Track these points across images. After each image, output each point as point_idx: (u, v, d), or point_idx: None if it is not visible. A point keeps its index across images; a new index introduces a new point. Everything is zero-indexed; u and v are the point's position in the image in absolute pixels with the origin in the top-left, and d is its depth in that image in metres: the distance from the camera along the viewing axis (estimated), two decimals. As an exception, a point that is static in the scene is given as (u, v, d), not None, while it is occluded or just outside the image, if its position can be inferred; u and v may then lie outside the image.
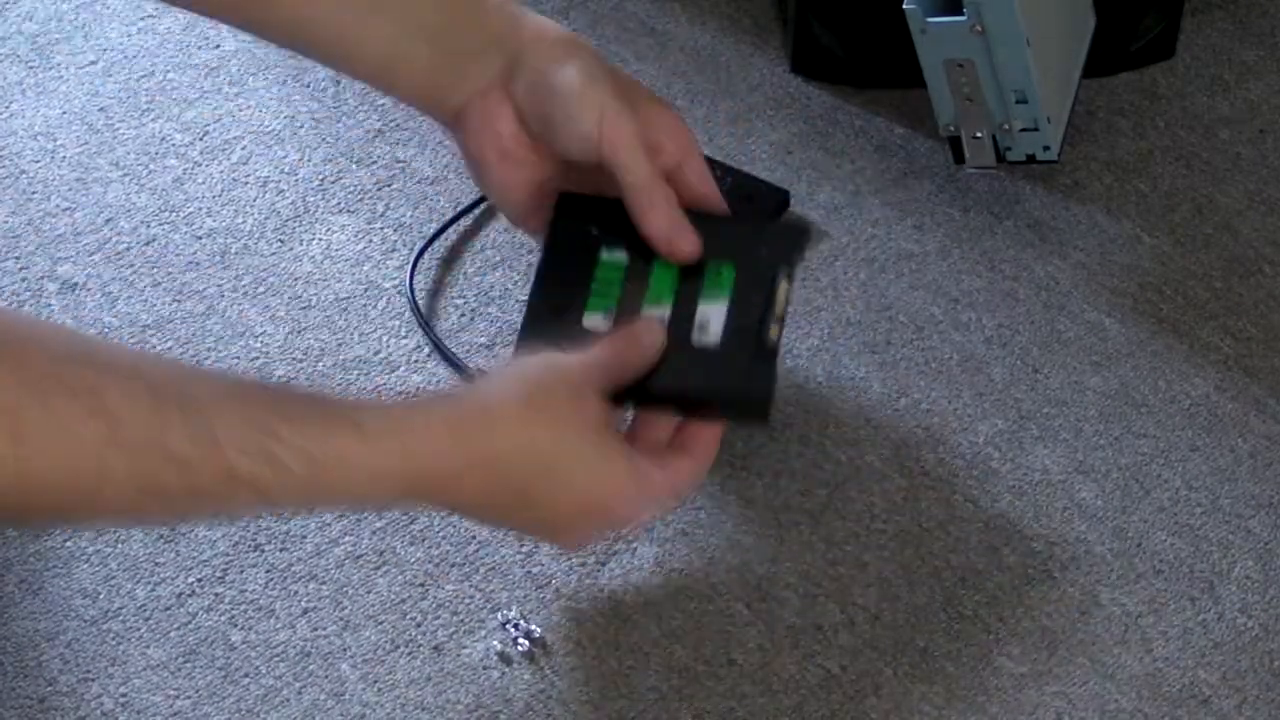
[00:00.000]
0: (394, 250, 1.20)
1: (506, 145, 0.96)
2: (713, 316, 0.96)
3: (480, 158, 0.97)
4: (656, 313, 0.96)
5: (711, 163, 1.22)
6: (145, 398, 0.78)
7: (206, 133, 1.26)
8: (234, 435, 0.80)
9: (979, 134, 1.19)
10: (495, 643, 1.02)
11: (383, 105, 1.28)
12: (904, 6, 1.13)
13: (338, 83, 1.29)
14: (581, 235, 0.97)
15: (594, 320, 0.96)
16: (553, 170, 0.97)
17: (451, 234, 1.21)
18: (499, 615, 1.02)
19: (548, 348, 0.92)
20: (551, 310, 0.96)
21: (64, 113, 1.28)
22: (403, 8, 0.96)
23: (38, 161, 1.25)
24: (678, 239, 0.95)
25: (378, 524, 1.06)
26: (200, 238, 1.20)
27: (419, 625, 1.02)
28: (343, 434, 0.83)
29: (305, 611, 1.03)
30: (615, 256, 0.96)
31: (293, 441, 0.81)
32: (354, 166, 1.24)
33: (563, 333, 0.94)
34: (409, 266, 1.18)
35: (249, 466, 0.80)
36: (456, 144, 0.99)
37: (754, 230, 1.01)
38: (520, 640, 1.02)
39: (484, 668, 1.01)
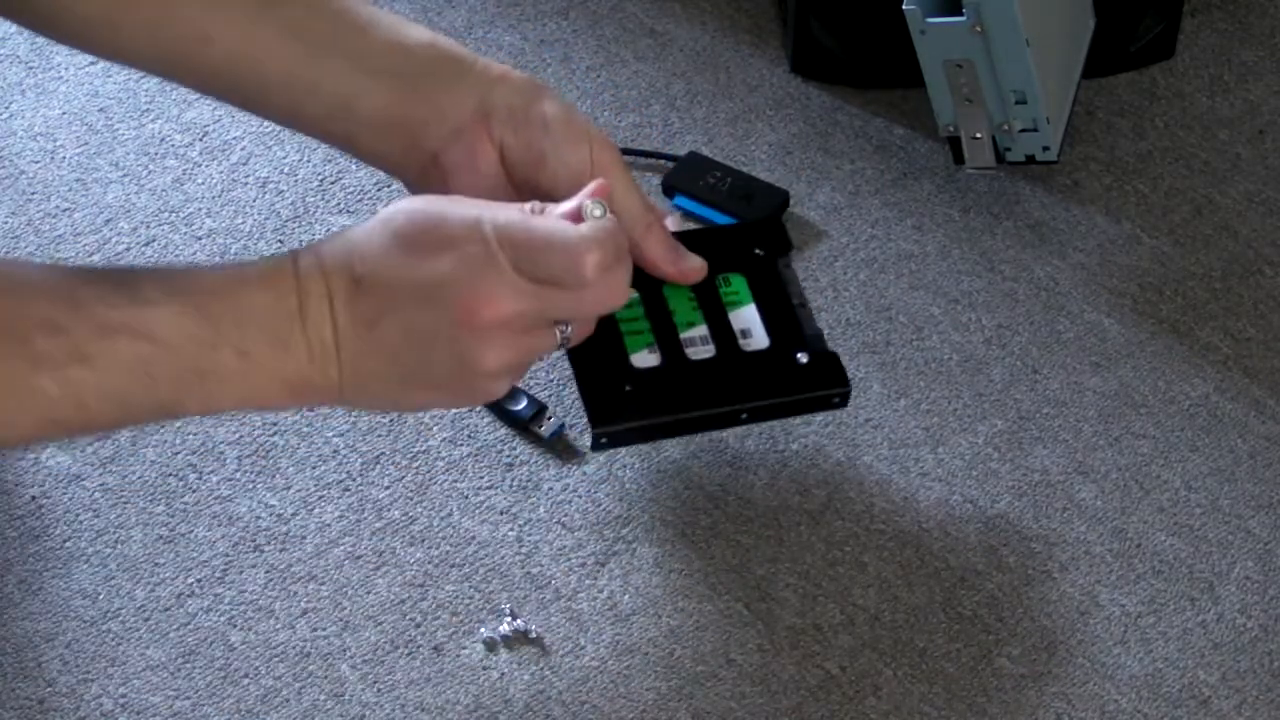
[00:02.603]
0: (393, 251, 1.20)
1: (486, 187, 0.94)
2: (749, 322, 0.98)
3: None
4: (696, 333, 0.97)
5: (711, 163, 1.22)
6: (4, 284, 0.79)
7: (206, 133, 1.26)
8: (96, 293, 0.80)
9: (978, 134, 1.19)
10: (495, 642, 1.02)
11: (382, 106, 1.28)
12: (904, 7, 1.13)
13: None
14: None
15: (643, 358, 0.97)
16: None
17: (451, 234, 1.21)
18: (498, 616, 1.02)
19: (615, 402, 0.95)
20: (597, 363, 0.96)
21: (64, 113, 1.28)
22: (357, 47, 0.93)
23: (37, 162, 1.25)
24: (683, 261, 0.96)
25: (377, 524, 1.06)
26: (200, 238, 1.20)
27: (418, 626, 1.02)
28: (201, 268, 0.84)
29: (305, 612, 1.03)
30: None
31: (153, 280, 0.82)
32: (353, 167, 1.24)
33: (621, 380, 0.96)
34: (408, 267, 1.18)
35: (116, 313, 0.80)
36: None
37: (735, 236, 1.05)
38: (519, 641, 1.02)
39: (483, 668, 1.01)
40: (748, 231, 1.06)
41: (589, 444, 0.98)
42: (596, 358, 0.96)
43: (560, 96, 0.96)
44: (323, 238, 0.88)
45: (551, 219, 0.89)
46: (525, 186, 0.95)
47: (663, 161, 1.23)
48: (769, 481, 1.08)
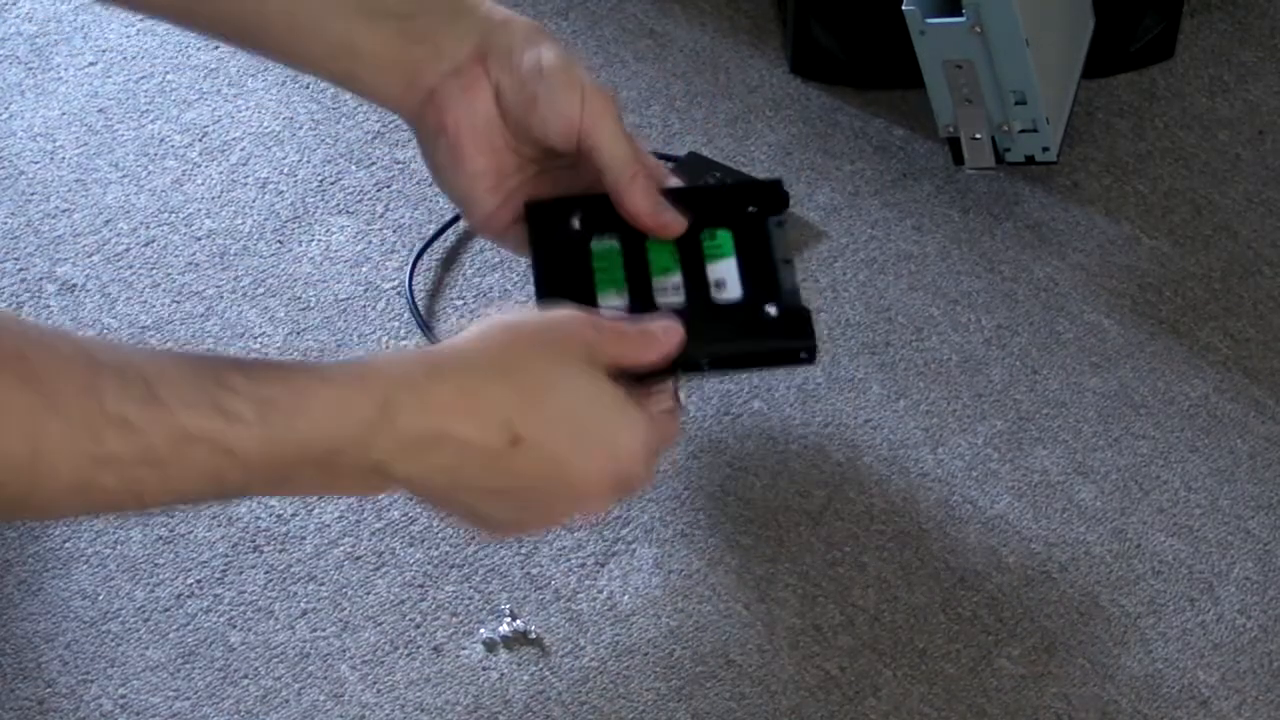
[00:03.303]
0: (393, 251, 1.20)
1: (480, 126, 0.95)
2: (725, 273, 0.97)
3: (454, 140, 0.96)
4: (668, 281, 0.96)
5: (711, 163, 1.22)
6: (80, 364, 0.74)
7: (206, 134, 1.26)
8: (178, 392, 0.75)
9: (978, 135, 1.19)
10: (494, 643, 1.02)
11: (382, 106, 1.28)
12: (903, 7, 1.13)
13: (337, 84, 1.29)
14: (565, 232, 0.97)
15: (610, 300, 0.96)
16: (518, 163, 0.97)
17: (450, 235, 1.21)
18: (498, 616, 1.03)
19: None
20: (563, 302, 0.95)
21: (63, 114, 1.28)
22: None
23: (37, 163, 1.25)
24: (663, 214, 0.96)
25: (377, 525, 1.06)
26: (199, 239, 1.20)
27: (418, 626, 1.02)
28: (300, 377, 0.79)
29: (304, 612, 1.03)
30: (606, 243, 0.97)
31: (244, 389, 0.77)
32: (353, 167, 1.24)
33: None
34: (408, 268, 1.18)
35: (199, 421, 0.75)
36: (422, 134, 0.97)
37: (730, 193, 1.03)
38: (519, 641, 1.02)
39: (483, 668, 1.01)
40: (747, 190, 1.05)
41: None
42: (564, 297, 0.95)
43: (561, 44, 0.96)
44: (462, 354, 0.84)
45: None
46: (518, 128, 0.96)
47: (663, 162, 1.23)
48: (769, 481, 1.08)
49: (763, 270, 0.97)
